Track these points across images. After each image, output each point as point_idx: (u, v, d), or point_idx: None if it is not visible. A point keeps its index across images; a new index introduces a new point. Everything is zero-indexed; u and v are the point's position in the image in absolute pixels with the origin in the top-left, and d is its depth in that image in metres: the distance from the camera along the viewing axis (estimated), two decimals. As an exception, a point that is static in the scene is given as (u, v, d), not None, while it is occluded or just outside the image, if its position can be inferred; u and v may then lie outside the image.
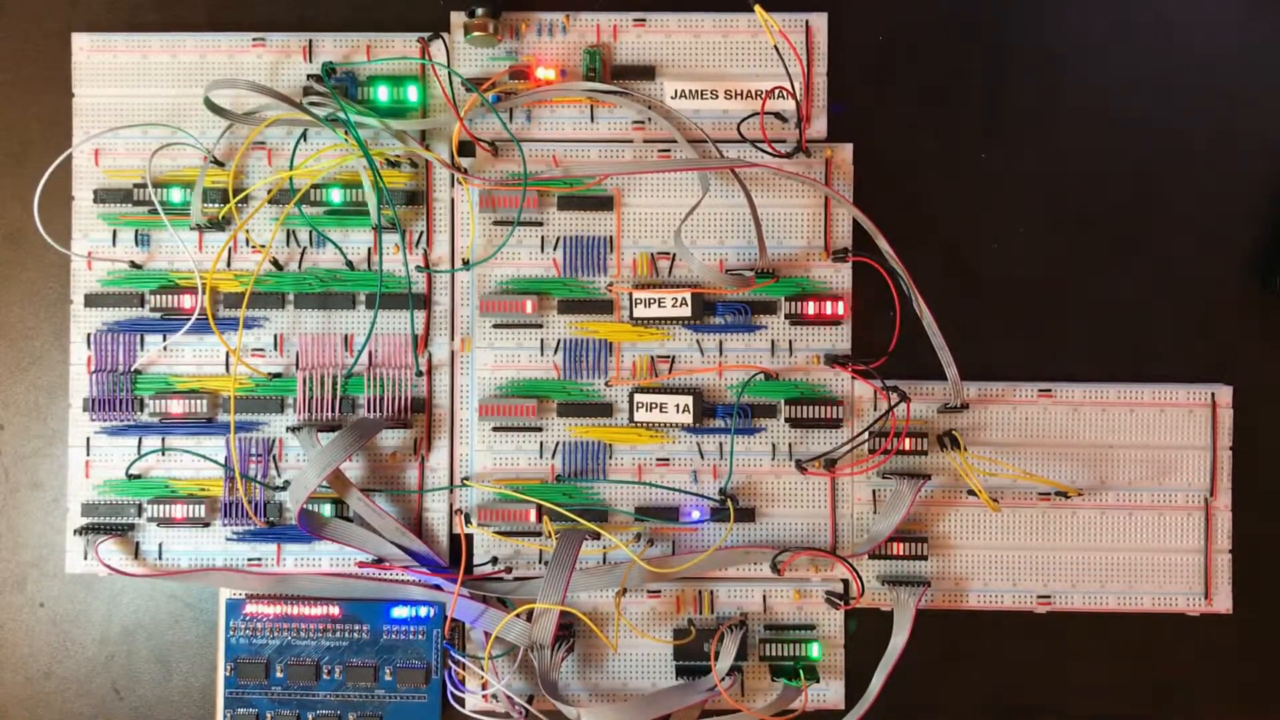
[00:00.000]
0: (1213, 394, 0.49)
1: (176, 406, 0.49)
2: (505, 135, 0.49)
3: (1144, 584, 0.49)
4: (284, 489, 0.49)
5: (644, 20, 0.49)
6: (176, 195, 0.49)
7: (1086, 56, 0.50)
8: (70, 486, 0.50)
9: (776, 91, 0.48)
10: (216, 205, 0.49)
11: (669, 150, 0.49)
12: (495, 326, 0.49)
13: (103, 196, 0.50)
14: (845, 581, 0.49)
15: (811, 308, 0.49)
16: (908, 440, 0.49)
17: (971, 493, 0.49)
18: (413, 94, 0.49)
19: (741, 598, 0.49)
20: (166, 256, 0.50)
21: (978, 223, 0.49)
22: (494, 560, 0.49)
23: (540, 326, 0.49)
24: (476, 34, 0.48)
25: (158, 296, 0.49)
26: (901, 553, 0.49)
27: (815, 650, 0.48)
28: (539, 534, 0.49)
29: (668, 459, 0.49)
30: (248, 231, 0.50)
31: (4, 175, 0.51)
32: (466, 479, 0.49)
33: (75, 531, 0.49)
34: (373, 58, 0.50)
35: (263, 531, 0.49)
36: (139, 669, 0.50)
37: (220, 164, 0.50)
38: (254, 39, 0.50)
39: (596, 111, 0.49)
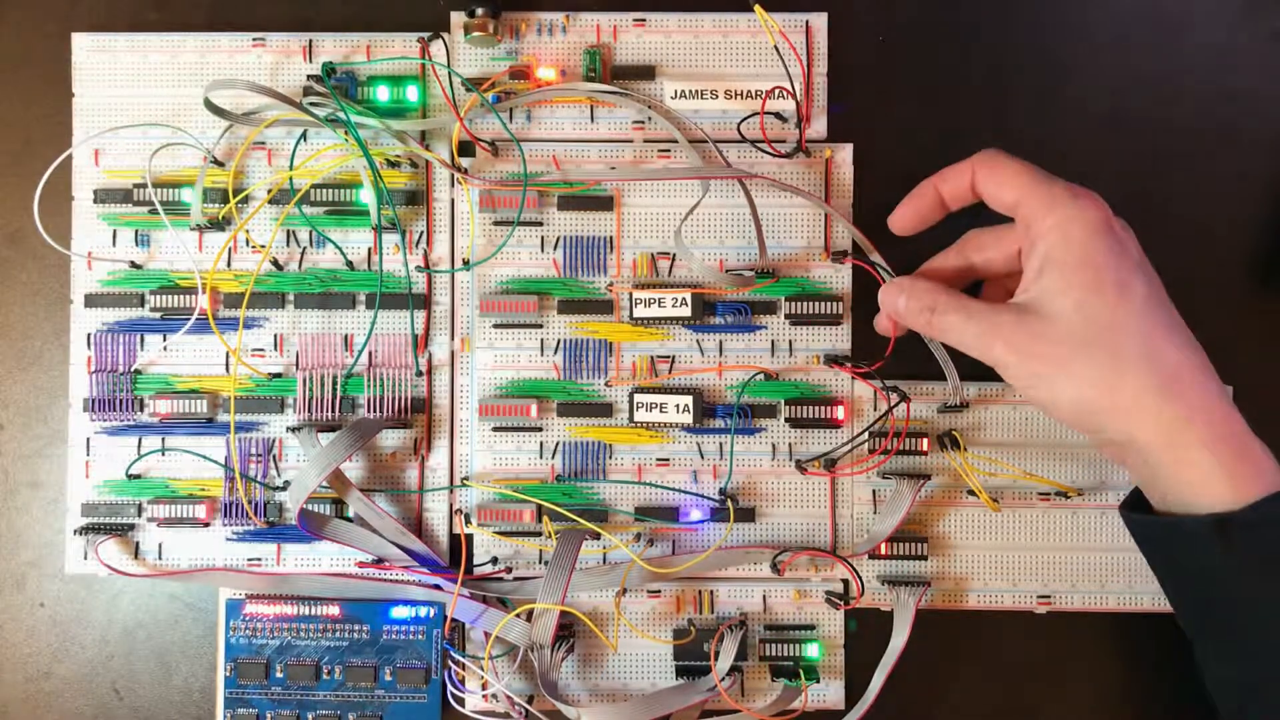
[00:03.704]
0: (1213, 394, 0.49)
1: (176, 406, 0.49)
2: (505, 135, 0.49)
3: (1144, 584, 0.49)
4: (284, 489, 0.49)
5: (644, 20, 0.49)
6: (177, 195, 0.49)
7: (1086, 56, 0.50)
8: (70, 486, 0.50)
9: (776, 91, 0.48)
10: (216, 205, 0.49)
11: (669, 150, 0.49)
12: (495, 326, 0.49)
13: (103, 196, 0.50)
14: (845, 581, 0.49)
15: (811, 308, 0.49)
16: (908, 440, 0.49)
17: (971, 493, 0.49)
18: (413, 94, 0.49)
19: (741, 598, 0.49)
20: (166, 256, 0.50)
21: (977, 222, 0.48)
22: (494, 560, 0.49)
23: (540, 326, 0.49)
24: (476, 34, 0.48)
25: (158, 296, 0.49)
26: (901, 553, 0.49)
27: (815, 650, 0.48)
28: (539, 534, 0.49)
29: (668, 459, 0.49)
30: (248, 231, 0.50)
31: (4, 175, 0.51)
32: (466, 479, 0.49)
33: (75, 531, 0.49)
34: (373, 58, 0.50)
35: (263, 531, 0.49)
36: (139, 669, 0.50)
37: (220, 164, 0.50)
38: (254, 39, 0.50)
39: (596, 111, 0.49)
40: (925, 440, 0.49)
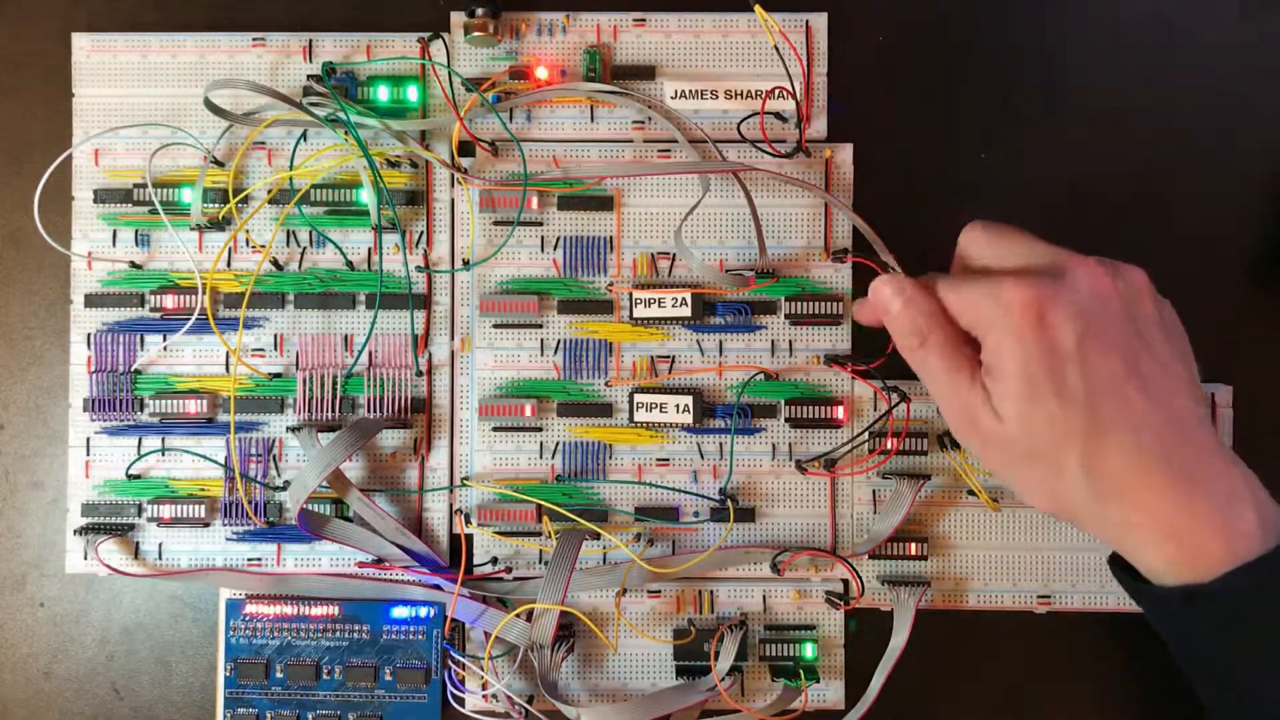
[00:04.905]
0: (1213, 394, 0.49)
1: (176, 406, 0.49)
2: (505, 135, 0.49)
3: (1144, 584, 0.49)
4: (284, 489, 0.49)
5: (644, 20, 0.49)
6: (177, 195, 0.49)
7: (1086, 56, 0.50)
8: (70, 486, 0.50)
9: (776, 92, 0.48)
10: (216, 205, 0.49)
11: (669, 150, 0.49)
12: (495, 326, 0.49)
13: (103, 196, 0.50)
14: (845, 581, 0.49)
15: (811, 308, 0.49)
16: (907, 440, 0.49)
17: (971, 493, 0.49)
18: (413, 94, 0.49)
19: (741, 598, 0.49)
20: (166, 256, 0.50)
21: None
22: (494, 560, 0.49)
23: (540, 326, 0.49)
24: (476, 34, 0.48)
25: (158, 296, 0.49)
26: (901, 553, 0.49)
27: (810, 650, 0.48)
28: (539, 534, 0.49)
29: (668, 459, 0.49)
30: (248, 231, 0.50)
31: (4, 175, 0.51)
32: (466, 479, 0.49)
33: (75, 531, 0.49)
34: (373, 58, 0.50)
35: (263, 531, 0.49)
36: (139, 669, 0.50)
37: (220, 164, 0.50)
38: (254, 39, 0.50)
39: (596, 111, 0.49)
40: (925, 440, 0.48)
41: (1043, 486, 0.39)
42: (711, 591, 0.49)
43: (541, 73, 0.49)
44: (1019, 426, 0.38)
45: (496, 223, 0.49)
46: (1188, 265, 0.49)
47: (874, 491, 0.49)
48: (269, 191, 0.49)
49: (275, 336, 0.50)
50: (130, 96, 0.50)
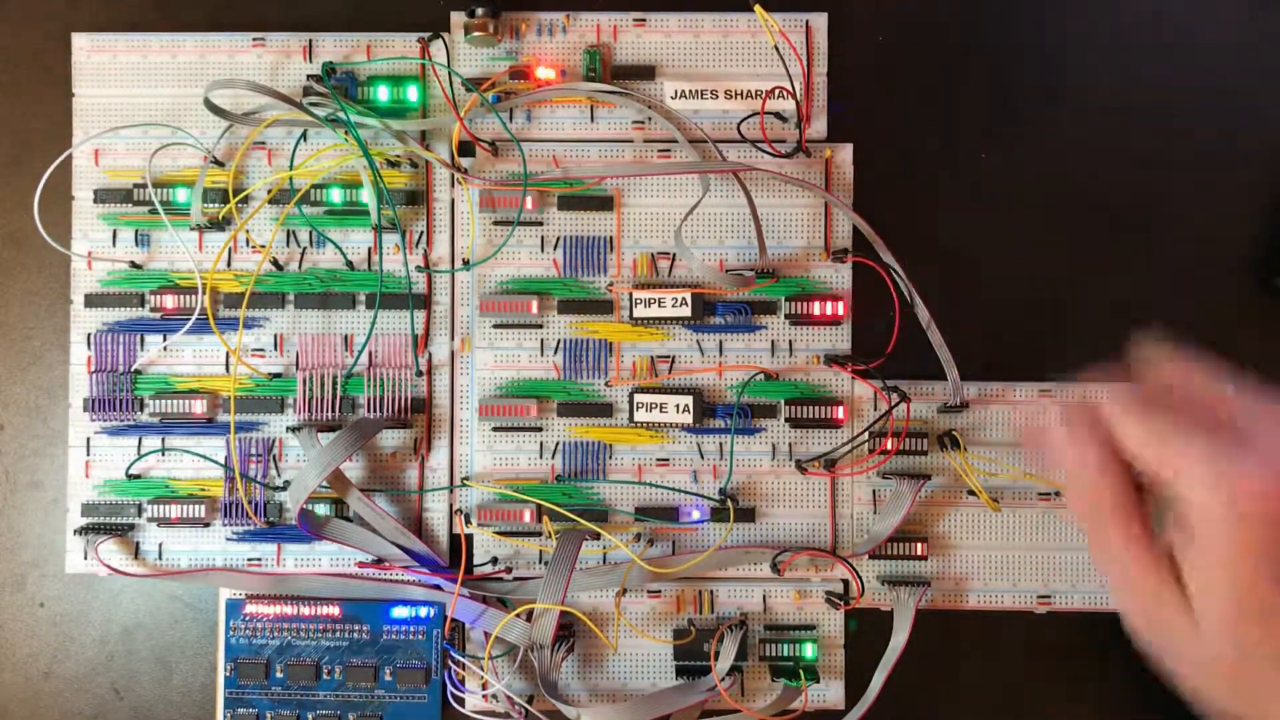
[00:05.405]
0: (1213, 394, 0.49)
1: (176, 406, 0.49)
2: (505, 135, 0.49)
3: (1144, 584, 0.49)
4: (284, 489, 0.49)
5: (644, 20, 0.49)
6: (178, 195, 0.49)
7: (1086, 56, 0.50)
8: (70, 486, 0.50)
9: (776, 91, 0.48)
10: (216, 205, 0.49)
11: (669, 150, 0.49)
12: (495, 326, 0.49)
13: (103, 196, 0.50)
14: (845, 581, 0.49)
15: (812, 308, 0.49)
16: (908, 440, 0.49)
17: (971, 493, 0.49)
18: (413, 94, 0.49)
19: (741, 598, 0.49)
20: (166, 256, 0.50)
21: (978, 223, 0.49)
22: (494, 560, 0.49)
23: (540, 326, 0.49)
24: (476, 34, 0.48)
25: (158, 296, 0.49)
26: (901, 553, 0.49)
27: (810, 650, 0.48)
28: (539, 534, 0.49)
29: (668, 459, 0.49)
30: (248, 231, 0.50)
31: (4, 175, 0.51)
32: (466, 479, 0.49)
33: (75, 531, 0.49)
34: (373, 58, 0.50)
35: (263, 531, 0.49)
36: (139, 669, 0.50)
37: (220, 164, 0.50)
38: (254, 39, 0.50)
39: (596, 111, 0.49)
40: (925, 440, 0.48)
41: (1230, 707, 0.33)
42: (711, 591, 0.49)
43: (542, 73, 0.49)
44: (1229, 644, 0.32)
45: (496, 223, 0.49)
46: (1188, 264, 0.49)
47: (874, 491, 0.49)
48: (269, 191, 0.49)
49: (275, 336, 0.50)
50: (130, 96, 0.50)
